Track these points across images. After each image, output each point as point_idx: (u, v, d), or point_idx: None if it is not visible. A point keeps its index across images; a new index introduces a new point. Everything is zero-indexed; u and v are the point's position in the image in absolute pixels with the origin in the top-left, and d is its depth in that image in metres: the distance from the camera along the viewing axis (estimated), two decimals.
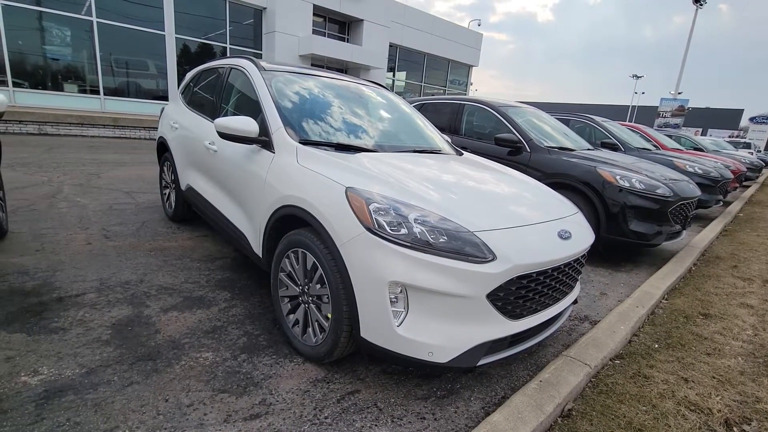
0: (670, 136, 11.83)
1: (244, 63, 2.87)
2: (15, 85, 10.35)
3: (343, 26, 17.42)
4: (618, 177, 3.76)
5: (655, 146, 8.69)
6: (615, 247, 3.87)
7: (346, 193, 1.72)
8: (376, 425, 1.58)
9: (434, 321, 1.59)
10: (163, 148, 3.87)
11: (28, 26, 10.31)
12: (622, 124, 9.18)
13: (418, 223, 1.61)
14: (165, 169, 3.90)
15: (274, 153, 2.21)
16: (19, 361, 1.75)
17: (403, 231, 1.58)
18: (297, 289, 1.99)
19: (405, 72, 21.59)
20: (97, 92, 11.40)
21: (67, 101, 10.90)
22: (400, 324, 1.58)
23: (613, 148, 6.96)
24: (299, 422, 1.56)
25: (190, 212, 3.68)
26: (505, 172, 2.60)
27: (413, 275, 1.53)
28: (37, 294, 2.35)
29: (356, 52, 16.06)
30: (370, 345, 1.66)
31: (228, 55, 14.03)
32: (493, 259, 1.57)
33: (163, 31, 12.30)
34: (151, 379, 1.74)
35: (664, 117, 22.17)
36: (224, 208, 2.68)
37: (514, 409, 1.59)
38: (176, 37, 12.58)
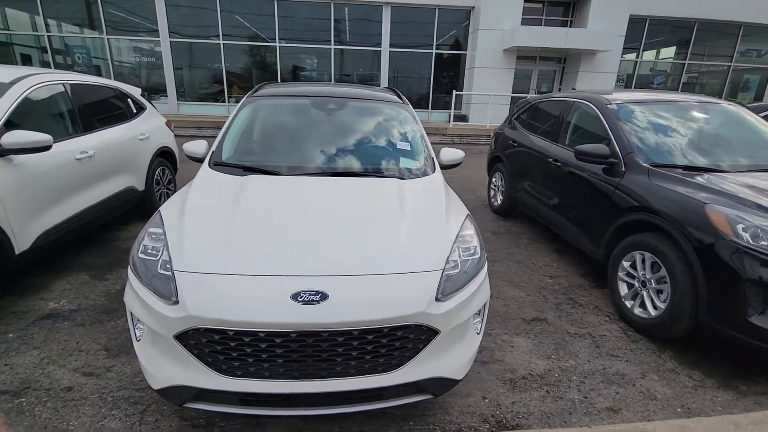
0: None
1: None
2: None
3: (567, 7, 15.26)
4: (740, 226, 2.14)
5: None
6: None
7: None
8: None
9: (155, 349, 1.66)
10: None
11: (239, 55, 14.17)
12: None
13: (159, 253, 1.70)
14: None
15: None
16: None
17: (147, 259, 1.71)
18: None
19: (664, 49, 16.86)
20: None
21: None
22: (138, 340, 1.74)
23: None
24: None
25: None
26: (372, 211, 2.09)
27: (134, 303, 1.66)
28: None
29: (573, 37, 13.79)
30: None
31: (433, 62, 14.97)
32: (176, 303, 1.50)
33: (380, 47, 14.39)
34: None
35: None
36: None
37: None
38: (390, 51, 14.47)
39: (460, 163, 2.97)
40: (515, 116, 5.20)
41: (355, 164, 2.58)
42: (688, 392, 2.17)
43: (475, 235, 2.00)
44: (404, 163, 2.68)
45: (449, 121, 14.05)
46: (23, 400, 1.92)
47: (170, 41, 13.70)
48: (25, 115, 2.83)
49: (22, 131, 2.60)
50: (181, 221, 1.85)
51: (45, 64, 13.70)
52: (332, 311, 1.48)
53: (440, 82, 15.54)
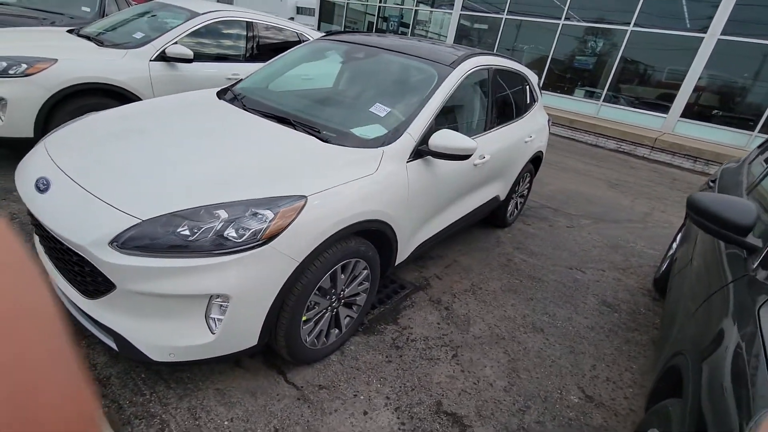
0: None
1: None
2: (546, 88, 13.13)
3: None
4: None
5: None
6: None
7: None
8: None
9: None
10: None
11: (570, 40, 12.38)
12: None
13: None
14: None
15: None
16: None
17: None
18: None
19: None
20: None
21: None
22: None
23: None
24: None
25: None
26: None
27: None
28: None
29: None
30: None
31: None
32: None
33: (705, 33, 10.40)
34: None
35: None
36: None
37: None
38: (719, 39, 10.24)
39: (462, 156, 2.12)
40: None
41: (303, 115, 2.27)
42: None
43: (276, 221, 1.49)
44: (358, 129, 2.14)
45: None
46: None
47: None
48: (202, 37, 3.94)
49: (177, 45, 3.66)
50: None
51: (371, 26, 17.57)
52: (40, 203, 1.53)
53: None
